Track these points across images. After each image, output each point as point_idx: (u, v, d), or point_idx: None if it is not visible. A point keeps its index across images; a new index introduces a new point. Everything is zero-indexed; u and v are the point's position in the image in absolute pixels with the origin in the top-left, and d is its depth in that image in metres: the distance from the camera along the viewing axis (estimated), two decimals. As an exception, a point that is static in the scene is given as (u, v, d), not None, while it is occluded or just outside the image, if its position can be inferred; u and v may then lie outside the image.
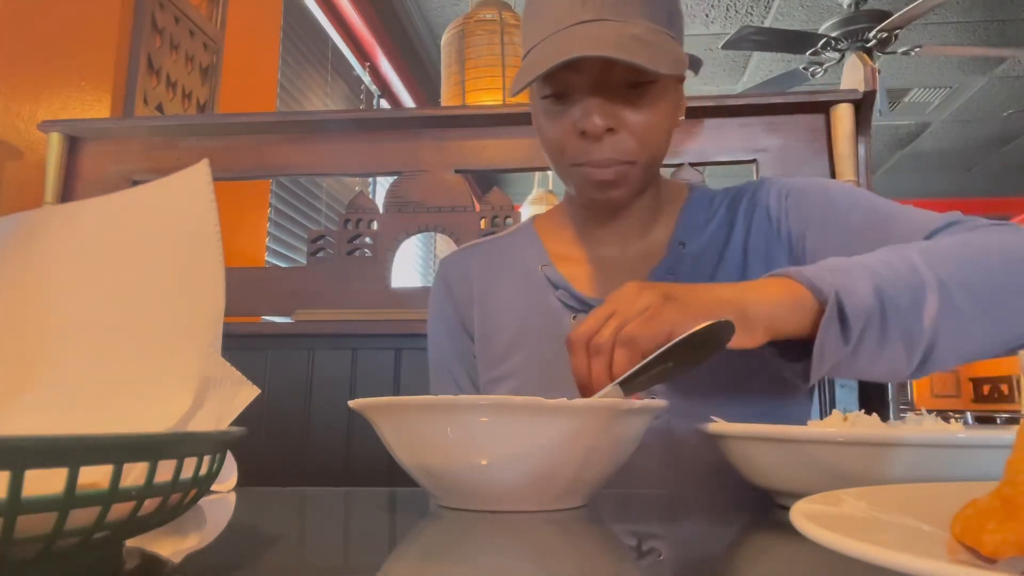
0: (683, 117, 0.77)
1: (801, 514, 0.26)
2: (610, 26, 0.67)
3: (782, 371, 0.64)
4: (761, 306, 0.57)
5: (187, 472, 0.34)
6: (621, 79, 0.70)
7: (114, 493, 0.29)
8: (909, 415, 0.54)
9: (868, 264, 0.59)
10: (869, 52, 3.52)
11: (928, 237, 0.66)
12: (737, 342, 0.56)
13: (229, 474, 0.64)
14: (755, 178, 0.85)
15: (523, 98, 1.13)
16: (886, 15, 3.39)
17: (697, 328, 0.52)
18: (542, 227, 0.89)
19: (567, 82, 0.71)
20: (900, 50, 3.62)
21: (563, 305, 0.80)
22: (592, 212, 0.81)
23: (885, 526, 0.28)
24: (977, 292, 0.58)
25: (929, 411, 0.55)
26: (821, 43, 3.51)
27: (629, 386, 0.54)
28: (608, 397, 0.52)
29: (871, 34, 3.45)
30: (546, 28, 0.70)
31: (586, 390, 0.57)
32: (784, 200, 0.78)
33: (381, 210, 1.43)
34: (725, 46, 3.54)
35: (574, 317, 0.79)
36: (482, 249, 0.91)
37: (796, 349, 0.61)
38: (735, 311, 0.56)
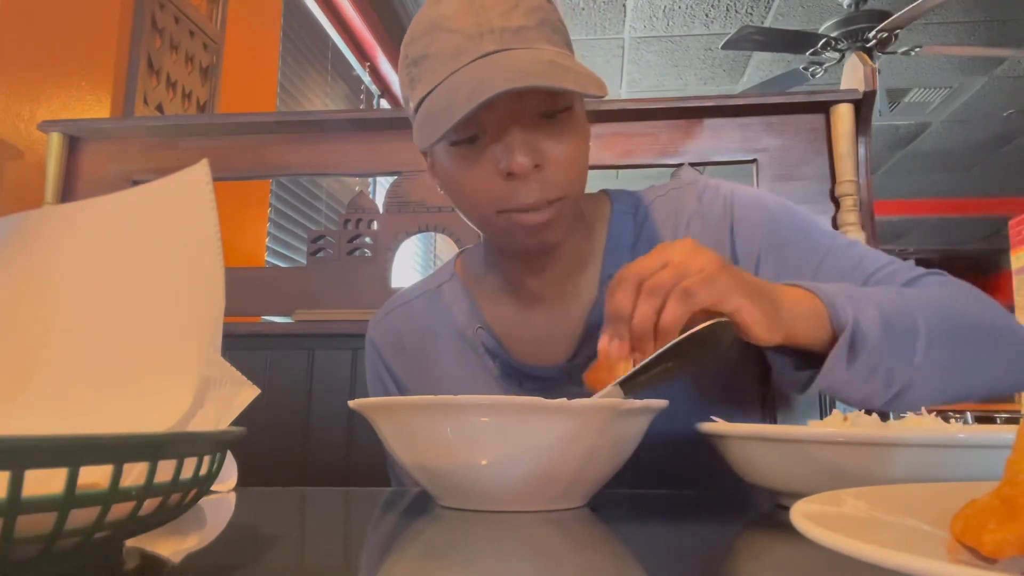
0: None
1: (801, 514, 0.26)
2: (518, 55, 0.61)
3: (781, 377, 0.64)
4: (792, 308, 0.58)
5: (187, 472, 0.34)
6: (536, 110, 0.63)
7: (114, 493, 0.29)
8: (909, 415, 0.54)
9: (877, 301, 0.61)
10: (869, 52, 3.52)
11: (906, 284, 0.69)
12: (758, 335, 0.56)
13: (229, 474, 0.64)
14: (710, 179, 0.80)
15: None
16: (886, 15, 3.39)
17: (697, 328, 0.52)
18: (467, 274, 0.83)
19: (478, 122, 0.63)
20: (900, 50, 3.62)
21: (503, 374, 0.76)
22: (520, 259, 0.75)
23: (885, 526, 0.28)
24: (954, 353, 0.62)
25: (929, 411, 0.55)
26: (821, 43, 3.51)
27: (629, 386, 0.54)
28: (608, 397, 0.52)
29: (871, 34, 3.45)
30: (441, 68, 0.63)
31: (620, 324, 0.56)
32: (729, 225, 0.75)
33: (381, 210, 1.43)
34: (725, 46, 3.54)
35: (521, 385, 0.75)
36: (409, 311, 0.84)
37: (791, 357, 0.63)
38: (772, 305, 0.57)
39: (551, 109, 0.64)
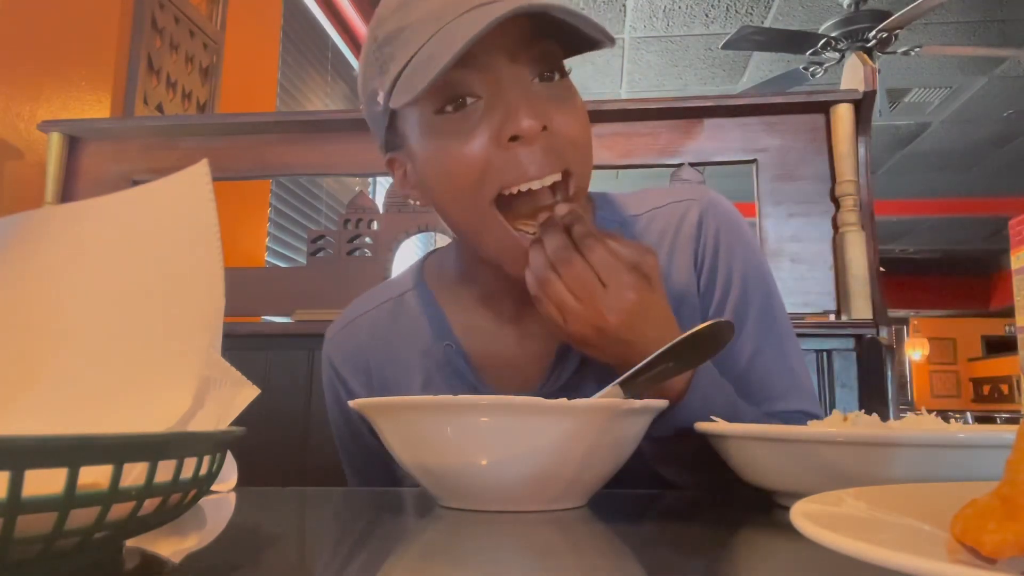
0: None
1: (801, 514, 0.26)
2: None
3: None
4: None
5: (187, 472, 0.34)
6: (534, 71, 0.58)
7: (114, 493, 0.29)
8: (909, 415, 0.54)
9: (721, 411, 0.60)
10: (869, 52, 3.52)
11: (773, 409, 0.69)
12: (559, 331, 0.59)
13: (229, 474, 0.64)
14: (707, 190, 0.75)
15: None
16: (886, 15, 3.39)
17: (697, 328, 0.52)
18: (437, 282, 0.75)
19: (467, 85, 0.57)
20: (900, 50, 3.62)
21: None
22: (500, 270, 0.65)
23: (885, 526, 0.28)
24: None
25: (929, 411, 0.55)
26: (821, 43, 3.51)
27: (629, 386, 0.54)
28: (608, 397, 0.52)
29: (871, 34, 3.45)
30: (425, 29, 0.56)
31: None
32: (710, 272, 0.71)
33: (381, 210, 1.43)
34: (725, 46, 3.54)
35: None
36: (371, 323, 0.76)
37: None
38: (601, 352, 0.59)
39: (550, 69, 0.59)
